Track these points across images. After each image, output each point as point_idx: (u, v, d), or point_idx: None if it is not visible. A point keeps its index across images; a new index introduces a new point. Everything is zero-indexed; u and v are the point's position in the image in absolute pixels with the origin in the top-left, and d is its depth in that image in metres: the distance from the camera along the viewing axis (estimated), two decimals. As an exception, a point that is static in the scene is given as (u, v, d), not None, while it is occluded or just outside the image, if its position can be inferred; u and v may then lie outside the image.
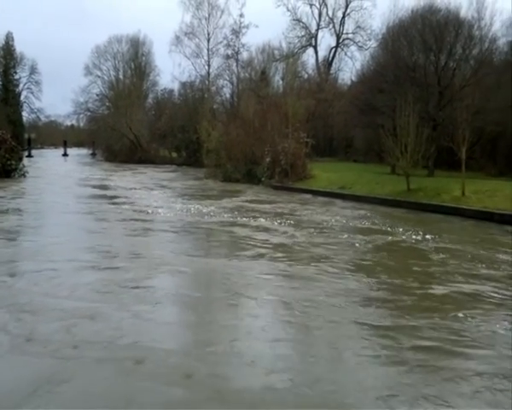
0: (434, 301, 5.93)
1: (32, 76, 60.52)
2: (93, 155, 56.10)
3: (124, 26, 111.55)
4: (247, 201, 16.38)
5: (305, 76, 40.23)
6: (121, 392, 3.79)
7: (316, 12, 43.39)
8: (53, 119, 74.14)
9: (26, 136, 54.74)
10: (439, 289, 6.40)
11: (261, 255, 8.29)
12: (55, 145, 76.98)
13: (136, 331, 4.90)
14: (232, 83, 41.50)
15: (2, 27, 75.69)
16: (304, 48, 43.16)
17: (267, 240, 9.56)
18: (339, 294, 6.17)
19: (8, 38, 56.63)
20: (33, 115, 62.72)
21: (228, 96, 42.07)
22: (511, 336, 4.84)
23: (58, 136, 75.46)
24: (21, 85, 59.92)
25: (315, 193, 18.72)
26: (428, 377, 4.03)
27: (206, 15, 42.28)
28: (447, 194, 15.05)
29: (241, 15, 39.77)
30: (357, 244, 9.24)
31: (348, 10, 42.76)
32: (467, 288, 6.47)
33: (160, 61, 69.04)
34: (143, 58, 51.36)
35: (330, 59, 43.36)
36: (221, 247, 9.47)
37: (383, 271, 7.32)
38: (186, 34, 42.73)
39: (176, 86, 45.98)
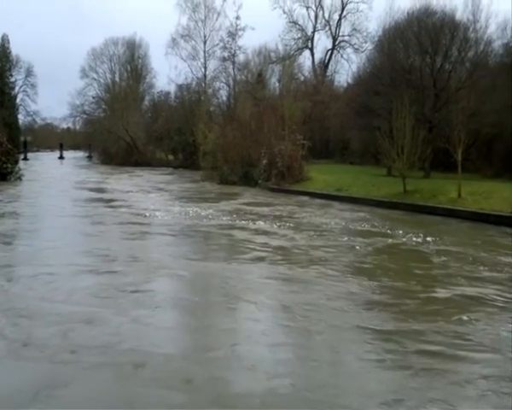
0: (438, 305, 5.89)
1: (28, 79, 60.31)
2: (89, 157, 55.98)
3: (120, 29, 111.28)
4: (244, 203, 16.37)
5: (302, 78, 40.29)
6: (121, 397, 3.77)
7: (312, 14, 43.52)
8: (49, 121, 73.85)
9: (22, 139, 54.46)
10: (442, 293, 6.37)
11: (261, 259, 8.26)
12: (51, 148, 76.70)
13: (135, 336, 4.87)
14: (229, 85, 41.52)
15: (-3, 30, 75.21)
16: (300, 50, 43.27)
17: (266, 243, 9.52)
18: (340, 297, 6.13)
19: (4, 41, 56.39)
20: (29, 118, 62.49)
21: (224, 98, 42.09)
22: None
23: (54, 139, 75.19)
24: (17, 88, 59.67)
25: (312, 195, 18.74)
26: (434, 380, 4.01)
27: (203, 18, 42.31)
28: (443, 196, 15.10)
29: (238, 18, 39.77)
30: (357, 247, 9.22)
31: (344, 13, 42.91)
32: (470, 291, 6.44)
33: (157, 64, 69.17)
34: (140, 60, 51.31)
35: (326, 61, 43.47)
36: (220, 250, 9.42)
37: (385, 274, 7.29)
38: (182, 36, 42.73)
39: (172, 89, 45.99)
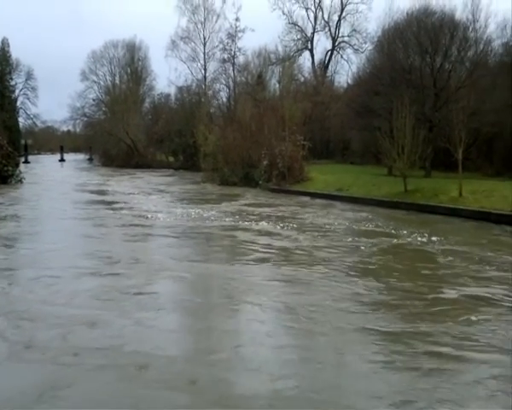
0: (445, 305, 5.84)
1: (28, 82, 60.45)
2: (90, 160, 56.08)
3: (120, 32, 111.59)
4: (246, 204, 16.35)
5: (302, 79, 40.31)
6: (124, 399, 3.76)
7: (311, 15, 43.55)
8: (49, 124, 74.06)
9: (23, 142, 54.54)
10: (449, 293, 6.32)
11: (265, 260, 8.22)
12: (51, 151, 76.84)
13: (138, 338, 4.86)
14: (229, 87, 41.54)
15: (-3, 33, 75.33)
16: (300, 51, 43.30)
17: (270, 244, 9.47)
18: (346, 298, 6.07)
19: (4, 44, 56.55)
20: (29, 121, 62.62)
21: (224, 99, 42.11)
22: None
23: (55, 141, 75.35)
24: (17, 91, 59.83)
25: (313, 195, 18.74)
26: (443, 381, 3.99)
27: (202, 20, 42.36)
28: (444, 195, 15.09)
29: (237, 19, 39.83)
30: (362, 247, 9.16)
31: (344, 14, 42.93)
32: (477, 291, 6.38)
33: (157, 66, 69.28)
34: (139, 63, 51.41)
35: (326, 62, 43.50)
36: (223, 252, 9.34)
37: (391, 274, 7.23)
38: (182, 39, 42.78)
39: (172, 91, 46.05)
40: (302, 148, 22.68)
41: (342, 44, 43.58)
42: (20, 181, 24.57)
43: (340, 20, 43.10)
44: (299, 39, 43.26)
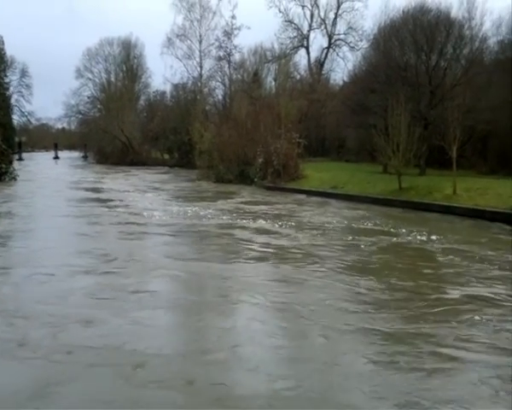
0: (449, 305, 5.79)
1: (23, 79, 59.92)
2: (84, 157, 55.81)
3: (115, 29, 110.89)
4: (242, 202, 16.30)
5: (298, 77, 40.25)
6: (119, 398, 3.72)
7: (308, 13, 43.44)
8: (44, 122, 73.56)
9: (17, 139, 54.16)
10: (452, 292, 6.27)
11: (264, 259, 8.14)
12: (46, 148, 76.42)
13: (133, 337, 4.80)
14: (224, 84, 41.41)
15: (-9, 30, 74.96)
16: (296, 49, 43.18)
17: (269, 243, 9.38)
18: (348, 298, 6.02)
19: (-1, 42, 56.06)
20: (24, 119, 62.11)
21: (220, 97, 41.97)
22: None
23: (49, 139, 74.92)
24: (12, 88, 59.33)
25: (308, 193, 18.74)
26: (447, 381, 3.97)
27: (198, 17, 42.13)
28: (439, 192, 15.13)
29: (233, 17, 39.61)
30: (362, 246, 9.09)
31: (340, 11, 42.84)
32: (481, 291, 6.33)
33: (152, 64, 69.00)
34: (135, 60, 51.11)
35: (322, 59, 43.42)
36: (222, 250, 9.16)
37: (392, 273, 7.17)
38: (178, 36, 42.50)
39: (168, 88, 45.83)
40: (297, 145, 22.66)
41: (338, 42, 43.54)
42: (14, 178, 24.44)
43: (336, 17, 43.08)
44: (295, 37, 43.19)
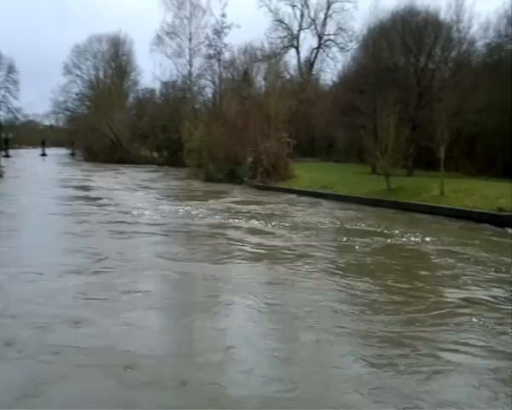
0: (447, 308, 5.76)
1: (10, 75, 59.15)
2: (72, 155, 55.29)
3: (104, 26, 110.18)
4: (234, 202, 16.22)
5: (288, 76, 40.30)
6: (109, 399, 3.71)
7: (298, 13, 43.54)
8: (31, 118, 72.73)
9: (4, 136, 53.46)
10: (450, 295, 6.25)
11: (258, 259, 8.07)
12: (33, 145, 75.50)
13: (125, 338, 4.76)
14: (214, 83, 41.34)
15: (-23, 24, 73.90)
16: (286, 48, 43.25)
17: (262, 243, 9.30)
18: (344, 300, 5.98)
19: (-16, 36, 55.24)
20: (11, 115, 61.36)
21: (210, 96, 41.89)
22: None
23: (36, 136, 73.89)
24: (-2, 84, 58.51)
25: (298, 193, 18.81)
26: (446, 384, 3.99)
27: (188, 15, 41.98)
28: (427, 193, 15.30)
29: (223, 15, 39.56)
30: (356, 247, 9.05)
31: (330, 12, 43.00)
32: (479, 293, 6.31)
33: (142, 61, 68.44)
34: (124, 57, 50.71)
35: (312, 60, 43.55)
36: (215, 251, 8.93)
37: (389, 275, 7.13)
38: (167, 34, 42.32)
39: (157, 86, 45.52)
40: (287, 145, 22.73)
41: (328, 42, 43.69)
42: (1, 175, 24.13)
43: (326, 18, 43.23)
44: (285, 36, 43.26)
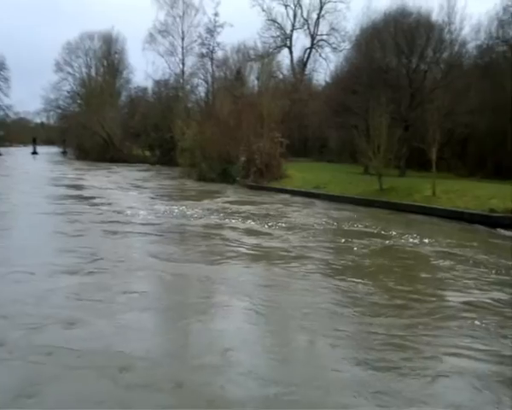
0: (449, 310, 5.76)
1: (1, 72, 58.58)
2: (64, 153, 54.90)
3: (96, 23, 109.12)
4: (228, 201, 16.14)
5: (280, 76, 40.31)
6: (103, 401, 3.69)
7: (291, 13, 43.56)
8: (22, 116, 72.06)
9: (-6, 133, 53.00)
10: (451, 297, 6.24)
11: (256, 260, 8.02)
12: (24, 143, 74.84)
13: (120, 339, 4.73)
14: (207, 82, 41.25)
15: (-33, 21, 73.03)
16: (279, 48, 43.25)
17: (260, 244, 9.23)
18: (344, 301, 5.94)
19: (-25, 33, 54.67)
20: (1, 112, 60.76)
21: (203, 94, 41.80)
22: None
23: (27, 133, 73.29)
24: (-12, 81, 57.92)
25: (292, 193, 18.83)
26: (450, 387, 3.99)
27: (181, 14, 41.86)
28: (419, 193, 15.40)
29: (216, 14, 39.50)
30: (355, 248, 9.02)
31: (323, 12, 43.07)
32: (481, 296, 6.28)
33: (134, 59, 68.07)
34: (116, 55, 50.46)
35: (305, 60, 43.59)
36: (212, 251, 8.78)
37: (389, 277, 7.09)
38: (160, 32, 42.18)
39: (149, 84, 45.35)
40: (280, 145, 22.75)
41: (321, 43, 43.78)
42: (-9, 174, 23.92)
43: (318, 18, 43.29)
44: (278, 36, 43.27)
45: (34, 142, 60.42)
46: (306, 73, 43.05)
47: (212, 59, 40.28)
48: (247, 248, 8.89)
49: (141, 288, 6.45)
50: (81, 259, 7.82)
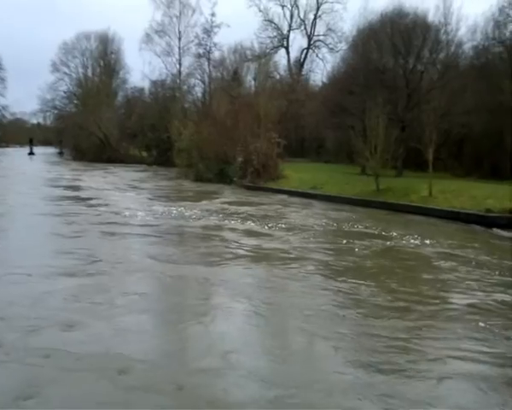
0: (453, 311, 5.74)
1: (-3, 72, 58.39)
2: (60, 153, 54.75)
3: (92, 23, 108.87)
4: (226, 202, 16.10)
5: (277, 77, 40.35)
6: (102, 403, 3.68)
7: (287, 13, 43.60)
8: (19, 116, 71.87)
9: (-10, 134, 52.78)
10: (455, 298, 6.23)
11: (257, 262, 7.99)
12: (20, 144, 74.59)
13: (119, 342, 4.72)
14: (204, 82, 41.23)
15: (-37, 21, 72.71)
16: (276, 48, 43.30)
17: (260, 245, 9.19)
18: (346, 303, 5.90)
19: (-30, 33, 54.42)
20: (-2, 113, 60.53)
21: (199, 95, 41.77)
22: None
23: (24, 134, 73.06)
24: (-16, 82, 57.68)
25: (289, 193, 18.83)
26: (455, 389, 4.00)
27: (178, 14, 41.81)
28: (415, 194, 15.44)
29: (213, 15, 39.51)
30: (356, 249, 8.99)
31: (319, 12, 43.14)
32: (484, 298, 6.26)
33: (130, 59, 67.91)
34: (113, 55, 50.36)
35: (302, 60, 43.65)
36: (211, 253, 8.66)
37: (392, 279, 7.05)
38: (157, 32, 42.12)
39: (146, 85, 45.32)
40: (277, 145, 22.76)
41: (318, 43, 43.85)
42: (-12, 175, 23.84)
43: (315, 18, 43.35)
44: (274, 37, 43.32)
45: (31, 142, 60.24)
46: (303, 73, 43.10)
47: (208, 59, 40.30)
48: (247, 250, 8.85)
49: (140, 290, 6.41)
50: (79, 260, 7.79)
